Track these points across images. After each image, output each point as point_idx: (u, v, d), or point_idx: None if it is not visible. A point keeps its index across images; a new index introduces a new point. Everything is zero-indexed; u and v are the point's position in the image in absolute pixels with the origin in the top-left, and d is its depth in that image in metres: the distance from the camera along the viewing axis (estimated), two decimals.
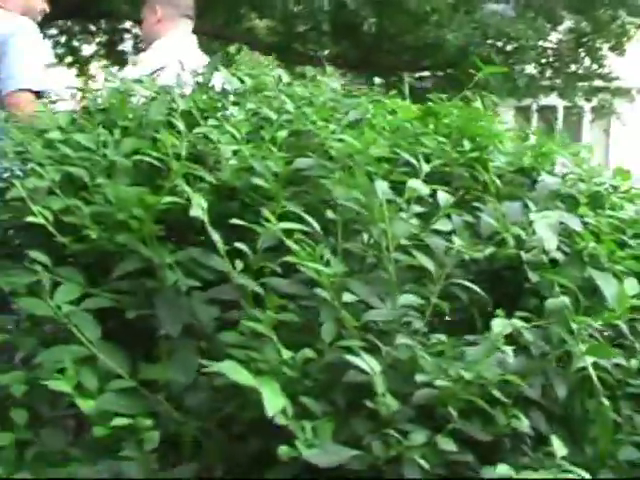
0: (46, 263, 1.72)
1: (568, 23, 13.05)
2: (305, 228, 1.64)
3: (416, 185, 1.84)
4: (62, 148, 1.91)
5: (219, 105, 2.25)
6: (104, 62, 17.11)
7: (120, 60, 16.75)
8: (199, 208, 1.62)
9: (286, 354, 1.43)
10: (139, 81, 2.41)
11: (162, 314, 1.65)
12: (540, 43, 12.03)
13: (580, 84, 13.11)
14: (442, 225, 1.97)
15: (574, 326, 1.73)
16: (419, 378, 1.47)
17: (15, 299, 1.72)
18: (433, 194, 1.99)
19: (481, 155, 2.41)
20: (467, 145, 2.41)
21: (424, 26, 10.41)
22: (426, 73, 13.97)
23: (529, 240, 2.03)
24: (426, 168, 1.98)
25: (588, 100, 13.34)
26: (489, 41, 11.17)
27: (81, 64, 17.37)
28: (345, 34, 11.21)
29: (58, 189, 1.84)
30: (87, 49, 17.22)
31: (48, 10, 4.27)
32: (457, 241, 1.82)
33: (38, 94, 3.61)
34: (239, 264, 1.66)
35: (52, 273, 1.72)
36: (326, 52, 13.80)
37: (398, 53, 12.72)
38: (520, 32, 10.43)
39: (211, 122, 2.13)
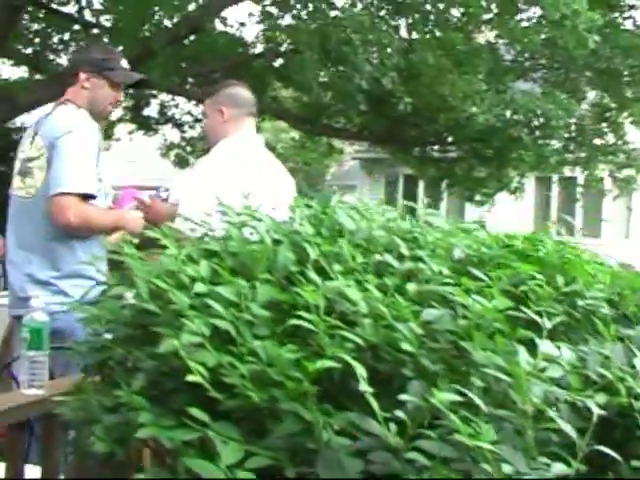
0: (205, 420, 1.83)
1: (591, 96, 13.34)
2: (461, 399, 1.75)
3: (548, 349, 1.96)
4: (208, 301, 2.04)
5: (338, 248, 2.38)
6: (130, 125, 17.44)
7: (145, 124, 17.07)
8: (364, 380, 1.74)
9: None
10: (258, 219, 2.56)
11: (323, 475, 1.76)
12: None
13: (602, 158, 13.35)
14: (554, 372, 2.09)
15: None
16: None
17: (180, 457, 1.82)
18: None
19: (574, 290, 2.54)
20: (560, 280, 2.53)
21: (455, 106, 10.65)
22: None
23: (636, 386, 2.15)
24: (548, 325, 2.11)
25: (612, 177, 13.55)
26: (515, 116, 11.41)
27: (107, 128, 17.64)
28: (374, 109, 11.42)
29: (209, 344, 1.96)
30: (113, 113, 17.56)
31: (120, 99, 4.37)
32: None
33: (88, 197, 3.75)
34: (393, 427, 1.78)
35: (210, 429, 1.83)
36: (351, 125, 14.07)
37: (424, 126, 12.96)
38: (550, 112, 10.64)
39: (337, 268, 2.26)
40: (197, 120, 16.62)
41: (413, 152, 14.49)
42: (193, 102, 15.54)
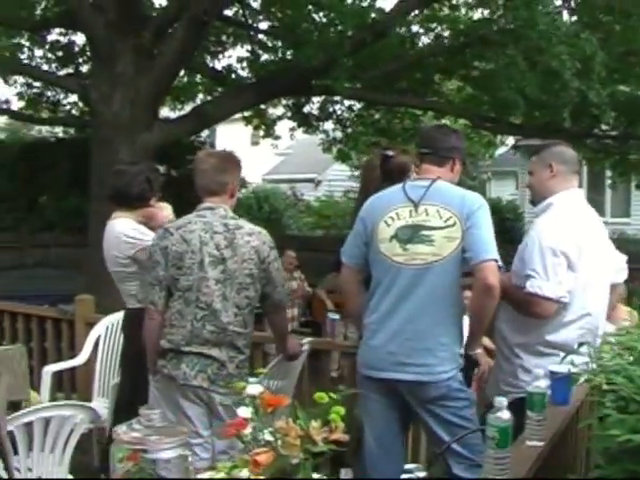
0: None
1: None
2: None
3: None
4: None
5: None
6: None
7: (306, 122, 17.13)
8: None
9: None
10: None
11: None
12: None
13: None
14: None
15: None
16: None
17: None
18: None
19: None
20: None
21: None
22: None
23: None
24: None
25: None
26: None
27: (267, 125, 17.86)
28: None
29: None
30: (272, 110, 17.72)
31: None
32: None
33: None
34: None
35: None
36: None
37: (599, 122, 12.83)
38: None
39: None
40: (358, 116, 16.72)
41: (585, 142, 14.33)
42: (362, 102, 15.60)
